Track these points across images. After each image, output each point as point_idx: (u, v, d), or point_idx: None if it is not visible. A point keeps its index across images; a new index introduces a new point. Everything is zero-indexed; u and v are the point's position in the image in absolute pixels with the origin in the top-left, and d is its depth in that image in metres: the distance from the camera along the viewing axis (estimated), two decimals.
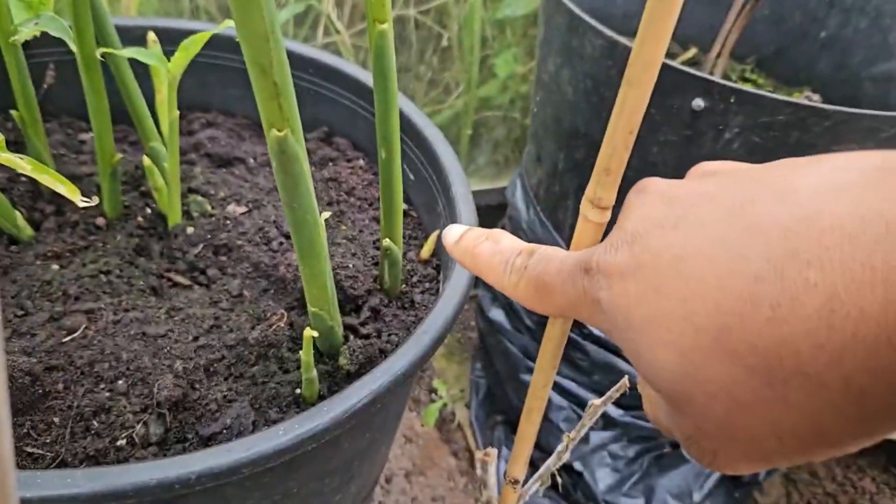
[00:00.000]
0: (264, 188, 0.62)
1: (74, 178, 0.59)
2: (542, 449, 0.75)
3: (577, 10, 0.55)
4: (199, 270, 0.54)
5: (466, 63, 0.87)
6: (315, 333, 0.41)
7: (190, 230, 0.55)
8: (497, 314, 0.80)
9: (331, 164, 0.65)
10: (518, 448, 0.49)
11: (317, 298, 0.43)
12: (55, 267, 0.52)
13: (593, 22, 0.54)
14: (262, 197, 0.60)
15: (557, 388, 0.72)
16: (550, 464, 0.53)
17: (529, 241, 0.68)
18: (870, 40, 0.71)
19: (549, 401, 0.74)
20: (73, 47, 0.47)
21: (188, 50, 0.47)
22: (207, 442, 0.43)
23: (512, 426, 0.80)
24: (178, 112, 0.50)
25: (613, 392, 0.47)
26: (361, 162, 0.65)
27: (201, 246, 0.54)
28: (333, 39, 0.93)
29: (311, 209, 0.37)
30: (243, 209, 0.58)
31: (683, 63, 0.80)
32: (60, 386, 0.43)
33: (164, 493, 0.35)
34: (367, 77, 0.65)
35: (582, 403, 0.74)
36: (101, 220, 0.57)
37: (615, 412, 0.72)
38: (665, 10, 0.28)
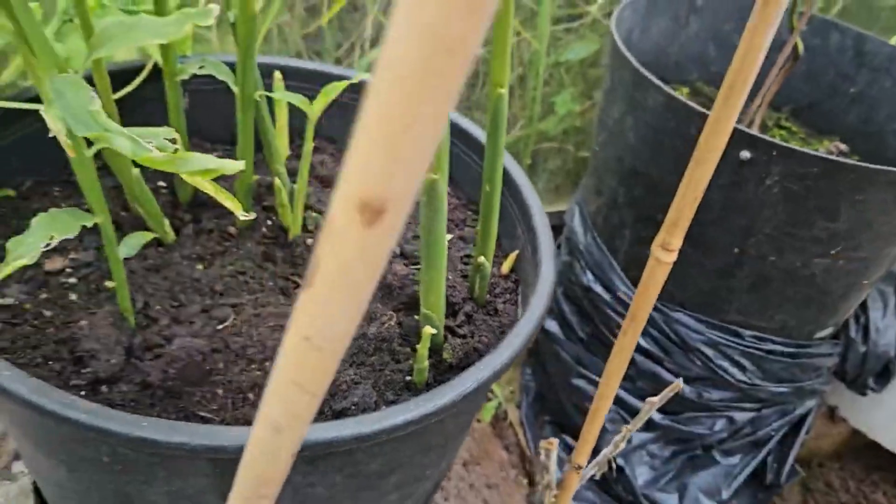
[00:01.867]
0: None
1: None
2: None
3: (640, 68, 0.65)
4: None
5: (528, 100, 0.96)
6: (434, 331, 0.50)
7: (310, 241, 0.65)
8: (551, 325, 0.89)
9: None
10: (584, 440, 0.58)
11: (431, 303, 0.52)
12: (199, 267, 0.62)
13: (655, 80, 0.63)
14: None
15: None
16: (608, 452, 0.61)
17: (586, 263, 0.77)
18: (894, 99, 0.79)
19: None
20: (235, 89, 0.57)
21: (328, 94, 0.56)
22: (338, 415, 0.52)
23: (559, 425, 0.89)
24: (312, 144, 0.59)
25: (668, 392, 0.56)
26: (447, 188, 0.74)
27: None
28: None
29: (442, 235, 0.46)
30: None
31: None
32: (221, 365, 0.52)
33: (320, 450, 0.44)
34: (452, 115, 0.74)
35: (626, 407, 0.82)
36: (232, 230, 0.66)
37: (655, 415, 0.81)
38: (728, 113, 0.37)
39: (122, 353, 0.51)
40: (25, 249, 0.42)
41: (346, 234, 0.20)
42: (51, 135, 0.45)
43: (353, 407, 0.52)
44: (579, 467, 0.59)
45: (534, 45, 0.98)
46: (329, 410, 0.52)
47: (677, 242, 0.42)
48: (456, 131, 0.73)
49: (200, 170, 0.38)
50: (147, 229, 0.64)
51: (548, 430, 0.89)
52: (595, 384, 0.83)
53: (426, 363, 0.52)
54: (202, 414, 0.50)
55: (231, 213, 0.68)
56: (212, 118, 0.73)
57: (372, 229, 0.20)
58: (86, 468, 0.49)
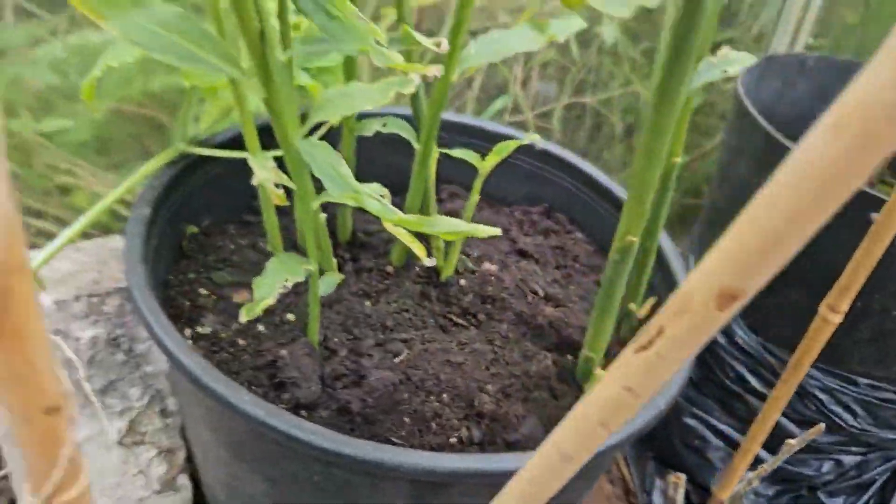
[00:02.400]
0: (503, 250, 0.77)
1: (368, 234, 0.75)
2: (699, 485, 0.87)
3: (777, 135, 0.69)
4: (472, 314, 0.68)
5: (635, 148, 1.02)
6: (605, 373, 0.55)
7: (462, 282, 0.70)
8: None
9: (554, 234, 0.79)
10: (728, 478, 0.63)
11: (598, 347, 0.57)
12: (367, 303, 0.67)
13: (791, 146, 0.68)
14: (504, 258, 0.75)
15: (715, 430, 0.85)
16: (741, 489, 0.66)
17: None
18: None
19: (708, 442, 0.87)
20: (417, 146, 0.63)
21: (500, 153, 0.62)
22: (510, 446, 0.57)
23: (663, 462, 0.93)
24: (477, 197, 0.65)
25: (808, 434, 0.60)
26: (580, 235, 0.79)
27: (472, 295, 0.69)
28: (520, 119, 1.09)
29: (621, 287, 0.51)
30: (495, 267, 0.73)
31: None
32: (406, 395, 0.58)
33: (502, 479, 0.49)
34: (582, 164, 0.79)
35: (732, 444, 0.86)
36: (389, 268, 0.72)
37: (763, 454, 0.84)
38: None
39: (318, 382, 0.57)
40: (267, 291, 0.48)
41: (699, 315, 0.25)
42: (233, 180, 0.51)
43: (523, 439, 0.57)
44: (721, 502, 0.63)
45: (644, 96, 1.04)
46: (502, 441, 0.57)
47: (845, 306, 0.47)
48: (586, 179, 0.79)
49: (448, 231, 0.44)
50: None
51: (651, 466, 0.93)
52: (705, 424, 0.87)
53: None
54: (394, 440, 0.55)
55: (386, 253, 0.74)
56: (368, 162, 0.78)
57: (722, 312, 0.25)
58: (290, 485, 0.55)
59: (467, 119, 0.81)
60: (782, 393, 0.52)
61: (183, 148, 0.66)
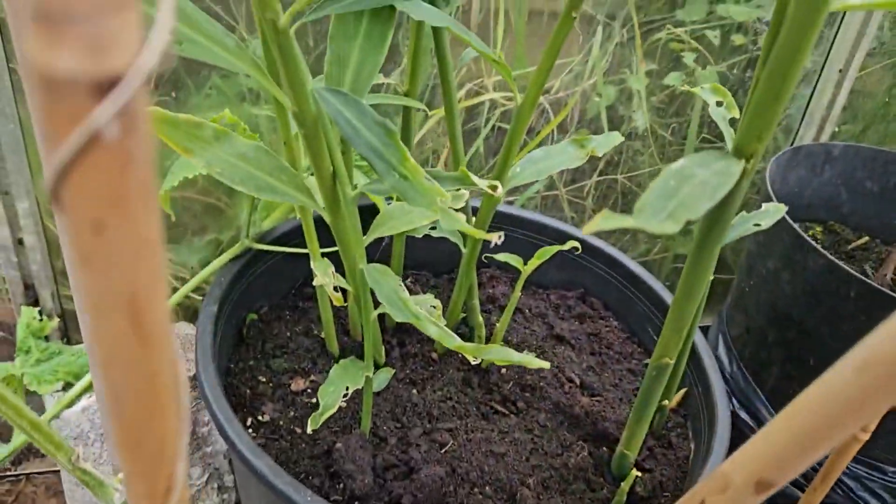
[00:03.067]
0: (540, 335, 0.80)
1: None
2: None
3: (804, 234, 0.73)
4: (511, 402, 0.72)
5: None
6: (638, 474, 0.58)
7: (503, 370, 0.74)
8: None
9: (589, 320, 0.83)
10: None
11: (633, 446, 0.60)
12: (414, 391, 0.71)
13: (818, 247, 0.71)
14: (542, 344, 0.78)
15: None
16: None
17: (732, 390, 0.84)
18: None
19: None
20: (464, 251, 0.67)
21: (542, 257, 0.66)
22: None
23: None
24: (519, 294, 0.69)
25: None
26: (614, 322, 0.83)
27: (511, 383, 0.73)
28: (553, 193, 1.13)
29: (657, 398, 0.55)
30: (534, 354, 0.76)
31: (855, 248, 0.96)
32: (452, 488, 0.61)
33: None
34: (616, 253, 0.83)
35: None
36: (434, 355, 0.76)
37: None
38: None
39: (370, 473, 0.61)
40: (331, 400, 0.52)
41: (739, 495, 0.29)
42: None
43: None
44: None
45: None
46: None
47: (873, 425, 0.50)
48: (620, 268, 0.82)
49: (501, 359, 0.48)
50: (362, 351, 0.74)
51: None
52: None
53: (625, 497, 0.60)
54: None
55: (431, 339, 0.78)
56: (414, 253, 0.82)
57: (759, 496, 0.28)
58: None
59: (508, 209, 0.85)
60: (812, 500, 0.54)
61: (248, 244, 0.71)
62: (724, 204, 0.36)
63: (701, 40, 1.02)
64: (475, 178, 0.47)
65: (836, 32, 0.93)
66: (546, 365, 0.48)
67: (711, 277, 0.48)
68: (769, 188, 0.79)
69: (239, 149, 0.51)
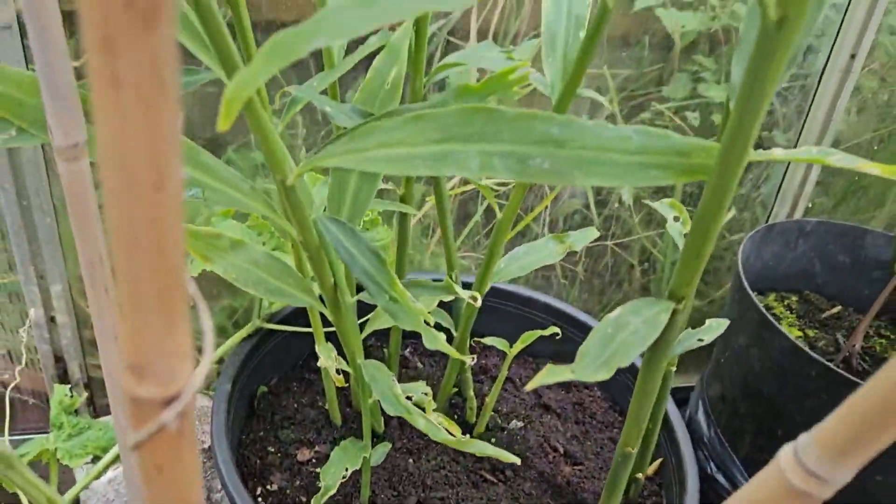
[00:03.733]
0: (528, 404, 0.86)
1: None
2: None
3: (768, 315, 0.79)
4: (500, 471, 0.77)
5: (654, 292, 1.12)
6: None
7: (492, 440, 0.80)
8: None
9: (574, 389, 0.89)
10: None
11: None
12: (410, 461, 0.77)
13: (783, 329, 0.77)
14: (530, 413, 0.84)
15: None
16: None
17: (709, 454, 0.89)
18: None
19: None
20: (455, 333, 0.73)
21: (525, 341, 0.72)
22: None
23: None
24: (507, 371, 0.75)
25: None
26: (598, 392, 0.89)
27: None
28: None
29: (625, 479, 0.60)
30: (521, 424, 0.82)
31: (829, 317, 1.02)
32: None
33: None
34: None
35: None
36: None
37: None
38: None
39: None
40: (331, 481, 0.58)
41: None
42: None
43: None
44: None
45: (658, 258, 1.14)
46: None
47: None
48: None
49: (479, 451, 0.54)
50: (359, 423, 0.80)
51: None
52: None
53: None
54: None
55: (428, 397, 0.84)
56: None
57: None
58: None
59: (501, 284, 0.92)
60: None
61: (259, 324, 0.78)
62: (664, 333, 0.42)
63: (684, 120, 1.09)
64: (458, 289, 0.54)
65: (805, 120, 0.99)
66: (516, 460, 0.54)
67: (660, 384, 0.54)
68: (740, 266, 0.86)
69: (252, 256, 0.58)
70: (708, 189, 0.36)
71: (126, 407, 0.18)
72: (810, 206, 1.06)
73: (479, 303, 0.53)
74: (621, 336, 0.36)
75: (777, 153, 0.45)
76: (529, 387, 0.32)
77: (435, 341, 0.50)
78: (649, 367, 0.45)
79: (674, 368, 0.62)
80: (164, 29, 0.12)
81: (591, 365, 0.34)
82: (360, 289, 0.54)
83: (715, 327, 0.51)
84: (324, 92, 0.55)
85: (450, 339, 0.73)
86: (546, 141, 0.35)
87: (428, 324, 0.48)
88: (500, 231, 0.59)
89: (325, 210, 0.59)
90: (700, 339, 0.50)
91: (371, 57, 0.57)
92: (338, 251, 0.49)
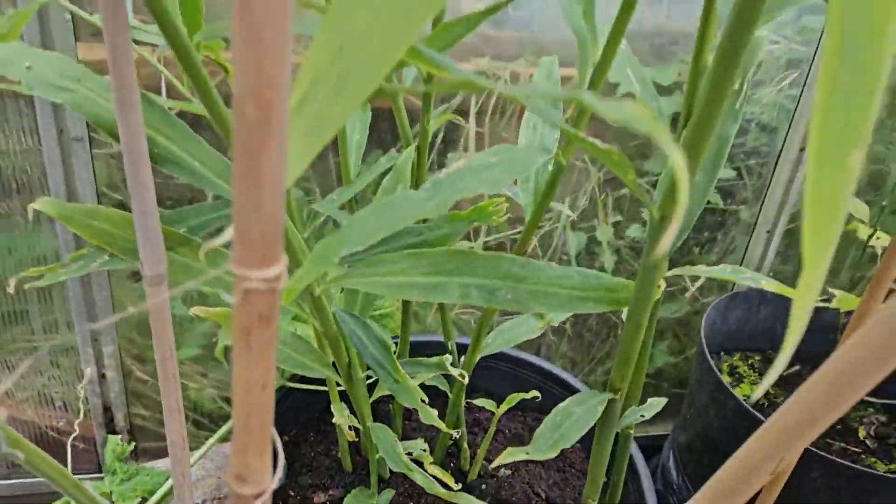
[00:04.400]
0: None
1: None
2: None
3: (725, 382, 0.90)
4: None
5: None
6: None
7: (483, 486, 0.91)
8: None
9: None
10: None
11: None
12: (410, 503, 0.88)
13: (735, 392, 0.88)
14: (517, 462, 0.95)
15: None
16: None
17: (678, 500, 1.00)
18: None
19: None
20: (451, 396, 0.84)
21: (510, 402, 0.83)
22: None
23: None
24: (497, 426, 0.86)
25: None
26: (577, 443, 1.00)
27: (489, 498, 0.90)
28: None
29: None
30: (509, 472, 0.93)
31: (789, 375, 1.12)
32: None
33: None
34: (580, 386, 1.00)
35: None
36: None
37: None
38: None
39: None
40: None
41: None
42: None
43: None
44: None
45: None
46: None
47: None
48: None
49: (468, 502, 0.65)
50: (368, 470, 0.91)
51: None
52: None
53: None
54: None
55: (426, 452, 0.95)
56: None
57: None
58: None
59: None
60: None
61: (283, 382, 0.89)
62: (606, 417, 0.54)
63: None
64: (450, 368, 0.65)
65: (764, 197, 1.11)
66: None
67: (620, 446, 0.65)
68: (702, 334, 0.97)
69: (281, 337, 0.70)
70: (628, 312, 0.48)
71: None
72: (772, 275, 1.18)
73: (466, 380, 0.65)
74: (566, 423, 0.48)
75: (699, 269, 0.57)
76: (496, 464, 0.44)
77: (429, 417, 0.61)
78: (599, 440, 0.56)
79: (632, 432, 0.73)
80: (274, 323, 0.24)
81: (543, 447, 0.46)
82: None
83: (655, 405, 0.63)
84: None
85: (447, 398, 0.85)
86: (509, 277, 0.47)
87: (424, 401, 0.60)
88: (485, 318, 0.71)
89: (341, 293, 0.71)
90: (642, 415, 0.61)
91: (383, 175, 0.69)
92: (352, 340, 0.61)
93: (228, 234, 0.23)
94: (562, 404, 0.49)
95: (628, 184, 0.38)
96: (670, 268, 0.57)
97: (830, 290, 0.96)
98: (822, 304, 1.11)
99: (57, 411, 0.97)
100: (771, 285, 0.55)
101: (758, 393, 0.22)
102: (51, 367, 0.94)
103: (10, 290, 0.51)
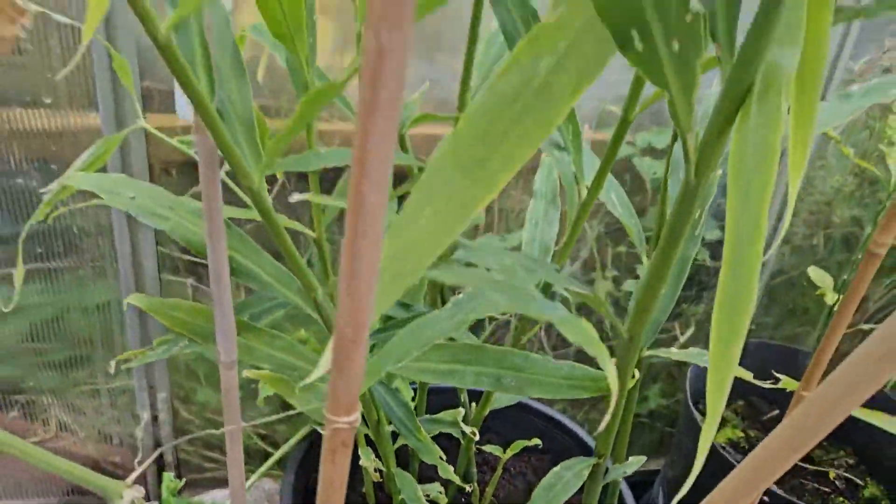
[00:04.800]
0: (521, 489, 1.08)
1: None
2: None
3: (698, 420, 1.01)
4: None
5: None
6: None
7: None
8: None
9: None
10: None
11: None
12: None
13: (717, 446, 0.99)
14: (523, 499, 1.06)
15: None
16: None
17: None
18: None
19: None
20: (462, 440, 0.96)
21: (515, 449, 0.94)
22: None
23: None
24: (503, 466, 0.97)
25: None
26: None
27: None
28: None
29: None
30: None
31: (768, 419, 1.23)
32: None
33: None
34: (578, 430, 1.11)
35: None
36: None
37: None
38: None
39: None
40: None
41: None
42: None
43: None
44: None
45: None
46: None
47: None
48: (579, 441, 1.10)
49: None
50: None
51: None
52: None
53: None
54: None
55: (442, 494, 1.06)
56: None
57: None
58: None
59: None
60: None
61: (313, 426, 1.01)
62: (592, 477, 0.65)
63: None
64: (463, 426, 0.77)
65: None
66: None
67: (609, 492, 0.76)
68: (687, 383, 1.08)
69: (318, 396, 0.81)
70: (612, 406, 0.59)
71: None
72: (754, 327, 1.29)
73: (477, 436, 0.76)
74: (557, 485, 0.59)
75: (671, 352, 0.68)
76: None
77: (447, 472, 0.72)
78: (587, 494, 0.68)
79: (620, 480, 0.84)
80: (350, 447, 0.36)
81: None
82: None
83: (634, 462, 0.74)
84: None
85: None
86: (513, 367, 0.59)
87: (442, 458, 0.71)
88: (486, 400, 0.82)
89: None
90: (625, 472, 0.72)
91: None
92: (382, 405, 0.72)
93: (318, 371, 0.34)
94: (555, 468, 0.61)
95: (603, 313, 0.50)
96: (651, 345, 0.69)
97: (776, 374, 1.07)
98: (804, 349, 1.22)
99: (113, 447, 1.09)
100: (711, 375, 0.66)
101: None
102: (110, 408, 1.06)
103: (111, 369, 0.63)
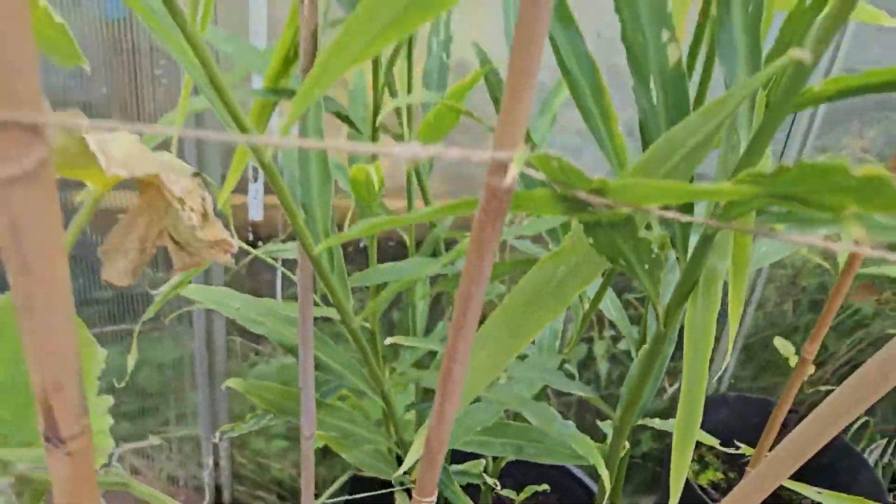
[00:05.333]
0: None
1: None
2: None
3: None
4: None
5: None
6: None
7: None
8: None
9: None
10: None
11: None
12: None
13: (696, 481, 1.15)
14: None
15: None
16: None
17: None
18: None
19: None
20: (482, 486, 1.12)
21: (528, 493, 1.11)
22: None
23: None
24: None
25: None
26: None
27: None
28: None
29: None
30: None
31: (745, 462, 1.39)
32: None
33: None
34: (582, 476, 1.27)
35: None
36: None
37: None
38: None
39: None
40: None
41: None
42: None
43: None
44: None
45: None
46: None
47: None
48: (582, 483, 1.26)
49: None
50: None
51: None
52: None
53: None
54: None
55: None
56: None
57: None
58: None
59: None
60: None
61: (352, 473, 1.17)
62: None
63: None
64: (486, 477, 0.93)
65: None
66: None
67: None
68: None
69: (365, 449, 0.98)
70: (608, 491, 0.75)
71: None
72: (733, 381, 1.45)
73: (498, 486, 0.92)
74: None
75: (655, 422, 0.85)
76: None
77: None
78: None
79: None
80: (435, 495, 0.53)
81: None
82: None
83: None
84: None
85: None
86: (532, 439, 0.75)
87: None
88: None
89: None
90: None
91: None
92: None
93: (408, 462, 0.51)
94: None
95: (597, 404, 0.66)
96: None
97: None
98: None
99: (179, 488, 1.25)
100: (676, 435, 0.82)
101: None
102: (177, 453, 1.22)
103: (216, 440, 0.79)
